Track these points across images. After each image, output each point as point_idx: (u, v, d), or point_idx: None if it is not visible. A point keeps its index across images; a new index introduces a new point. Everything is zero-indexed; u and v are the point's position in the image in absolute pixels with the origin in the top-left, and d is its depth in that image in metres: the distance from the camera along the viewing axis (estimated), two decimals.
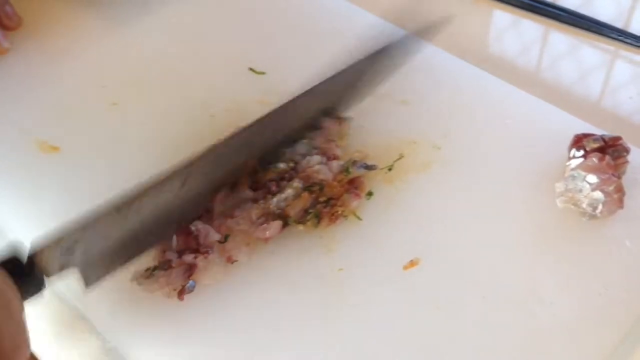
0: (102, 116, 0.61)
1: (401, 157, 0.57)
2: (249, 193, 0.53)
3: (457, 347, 0.47)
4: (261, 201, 0.52)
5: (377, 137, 0.59)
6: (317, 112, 0.58)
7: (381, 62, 0.60)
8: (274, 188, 0.53)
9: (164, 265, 0.49)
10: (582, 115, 0.60)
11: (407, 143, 0.58)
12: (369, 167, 0.56)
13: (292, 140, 0.56)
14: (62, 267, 0.45)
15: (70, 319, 0.50)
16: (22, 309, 0.41)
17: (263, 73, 0.64)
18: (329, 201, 0.53)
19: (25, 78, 0.65)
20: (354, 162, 0.56)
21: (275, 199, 0.52)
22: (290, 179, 0.53)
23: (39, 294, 0.44)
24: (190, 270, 0.48)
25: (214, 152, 0.52)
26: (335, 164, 0.55)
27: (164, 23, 0.70)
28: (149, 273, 0.49)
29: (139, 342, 0.47)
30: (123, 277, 0.49)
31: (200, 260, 0.49)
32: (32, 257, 0.43)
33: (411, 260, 0.51)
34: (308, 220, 0.52)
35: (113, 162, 0.58)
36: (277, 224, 0.51)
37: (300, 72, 0.63)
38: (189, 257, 0.49)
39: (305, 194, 0.52)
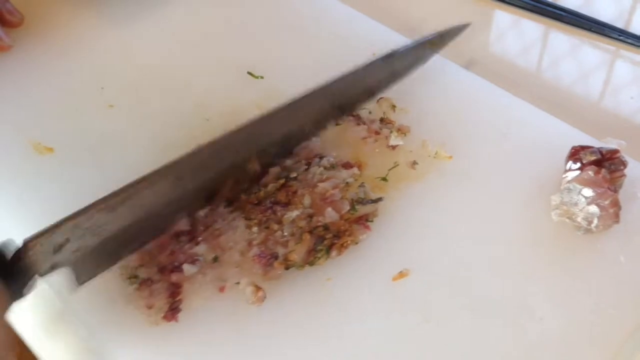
0: (98, 118, 0.58)
1: (396, 165, 0.53)
2: (239, 218, 0.49)
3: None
4: (255, 228, 0.49)
5: (373, 144, 0.55)
6: (323, 112, 0.54)
7: (388, 68, 0.57)
8: (269, 212, 0.49)
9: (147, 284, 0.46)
10: (583, 115, 0.57)
11: (403, 151, 0.55)
12: (375, 201, 0.51)
13: (295, 140, 0.53)
14: (53, 266, 0.42)
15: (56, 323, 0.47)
16: (7, 309, 0.38)
17: (261, 77, 0.61)
18: (337, 234, 0.49)
19: (24, 77, 0.62)
20: (360, 200, 0.51)
21: (274, 238, 0.48)
22: (288, 202, 0.50)
23: (27, 293, 0.41)
24: (174, 289, 0.46)
25: (212, 148, 0.48)
26: (344, 204, 0.50)
27: (163, 25, 0.67)
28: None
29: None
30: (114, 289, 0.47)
31: (188, 283, 0.46)
32: (21, 255, 0.40)
33: (401, 272, 0.48)
34: (319, 258, 0.48)
35: (107, 164, 0.55)
36: (280, 269, 0.48)
37: (299, 76, 0.60)
38: (174, 276, 0.46)
39: (307, 236, 0.48)
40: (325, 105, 0.54)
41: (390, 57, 0.56)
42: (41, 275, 0.41)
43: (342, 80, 0.53)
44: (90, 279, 0.44)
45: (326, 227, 0.49)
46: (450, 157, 0.54)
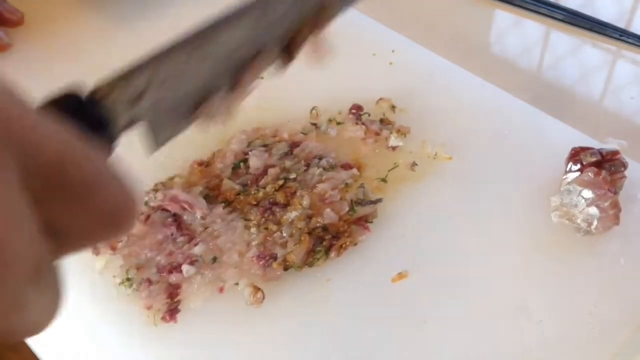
0: None
1: (396, 166, 0.53)
2: (238, 219, 0.49)
3: None
4: (254, 229, 0.48)
5: (373, 145, 0.54)
6: None
7: None
8: (267, 213, 0.49)
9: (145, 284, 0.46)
10: (583, 116, 0.56)
11: (402, 152, 0.54)
12: (375, 202, 0.51)
13: None
14: (131, 120, 0.33)
15: None
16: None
17: (261, 77, 0.60)
18: (336, 235, 0.49)
19: (23, 76, 0.61)
20: (360, 201, 0.51)
21: (272, 239, 0.48)
22: (287, 203, 0.49)
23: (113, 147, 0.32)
24: (173, 290, 0.45)
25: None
26: (343, 205, 0.50)
27: (164, 25, 0.66)
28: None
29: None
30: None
31: (186, 283, 0.46)
32: (96, 101, 0.31)
33: (400, 273, 0.47)
34: (318, 259, 0.47)
35: None
36: (279, 270, 0.47)
37: (298, 77, 0.60)
38: (173, 277, 0.46)
39: (306, 237, 0.48)
40: None
41: None
42: (118, 128, 0.32)
43: None
44: (169, 139, 0.36)
45: (325, 228, 0.48)
46: (450, 158, 0.54)
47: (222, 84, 0.38)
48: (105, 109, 0.30)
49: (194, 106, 0.37)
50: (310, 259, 0.47)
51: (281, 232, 0.48)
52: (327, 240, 0.48)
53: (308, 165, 0.52)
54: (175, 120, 0.37)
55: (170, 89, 0.35)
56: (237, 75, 0.39)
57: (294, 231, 0.48)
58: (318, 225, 0.48)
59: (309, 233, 0.48)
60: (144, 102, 0.33)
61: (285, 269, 0.47)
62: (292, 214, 0.49)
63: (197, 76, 0.37)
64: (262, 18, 0.39)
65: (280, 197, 0.50)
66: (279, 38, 0.41)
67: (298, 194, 0.50)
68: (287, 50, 0.42)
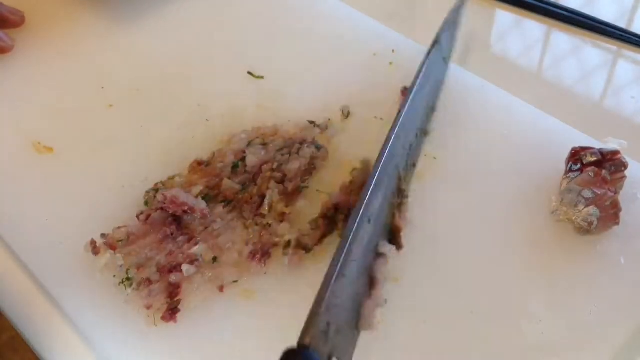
0: (98, 118, 0.58)
1: None
2: (238, 219, 0.49)
3: None
4: (256, 228, 0.49)
5: (372, 145, 0.54)
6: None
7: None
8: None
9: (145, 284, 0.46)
10: (584, 116, 0.56)
11: None
12: None
13: None
14: (330, 356, 0.39)
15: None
16: None
17: (261, 77, 0.60)
18: (348, 213, 0.48)
19: (24, 77, 0.62)
20: None
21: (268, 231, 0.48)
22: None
23: None
24: (173, 289, 0.45)
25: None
26: None
27: (164, 25, 0.66)
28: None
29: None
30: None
31: (186, 283, 0.46)
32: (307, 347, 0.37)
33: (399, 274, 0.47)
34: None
35: (106, 164, 0.54)
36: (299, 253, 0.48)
37: (299, 76, 0.60)
38: (173, 277, 0.46)
39: (320, 221, 0.48)
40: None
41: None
42: None
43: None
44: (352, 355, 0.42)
45: (337, 208, 0.48)
46: (450, 158, 0.54)
47: (364, 292, 0.44)
48: (314, 351, 0.38)
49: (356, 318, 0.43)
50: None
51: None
52: (340, 222, 0.48)
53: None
54: (351, 336, 0.42)
55: (338, 314, 0.40)
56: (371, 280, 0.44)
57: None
58: (329, 207, 0.48)
59: (323, 217, 0.48)
60: (330, 334, 0.39)
61: (305, 249, 0.47)
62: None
63: (348, 294, 0.42)
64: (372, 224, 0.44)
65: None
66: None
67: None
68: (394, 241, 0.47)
